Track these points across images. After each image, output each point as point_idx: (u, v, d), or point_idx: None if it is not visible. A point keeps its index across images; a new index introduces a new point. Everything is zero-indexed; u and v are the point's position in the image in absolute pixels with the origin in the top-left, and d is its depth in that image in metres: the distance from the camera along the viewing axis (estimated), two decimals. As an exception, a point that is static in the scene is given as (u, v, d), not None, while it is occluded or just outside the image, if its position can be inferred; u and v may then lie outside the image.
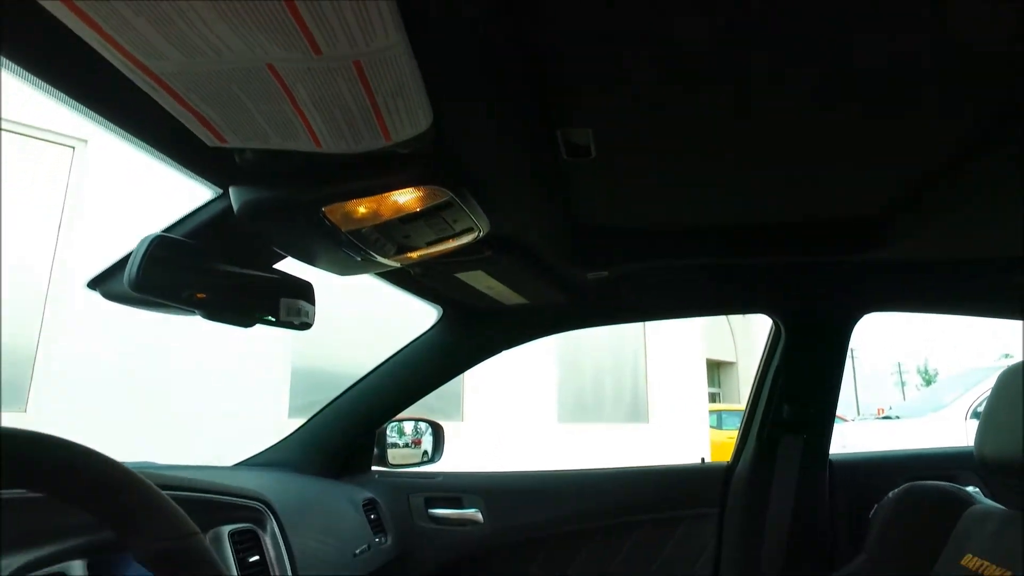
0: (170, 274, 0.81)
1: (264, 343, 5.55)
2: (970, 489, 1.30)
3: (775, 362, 1.64)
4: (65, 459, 0.48)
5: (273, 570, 1.13)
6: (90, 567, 0.81)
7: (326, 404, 1.77)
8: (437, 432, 1.93)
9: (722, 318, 12.01)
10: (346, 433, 1.77)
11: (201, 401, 5.45)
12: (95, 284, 0.89)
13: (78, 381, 4.88)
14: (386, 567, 1.65)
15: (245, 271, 1.00)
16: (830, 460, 1.63)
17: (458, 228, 0.98)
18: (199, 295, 0.89)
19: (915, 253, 1.34)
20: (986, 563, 1.03)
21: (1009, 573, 0.97)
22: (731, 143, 0.96)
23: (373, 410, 1.76)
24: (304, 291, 1.08)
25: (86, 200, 5.18)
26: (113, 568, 0.85)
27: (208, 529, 1.04)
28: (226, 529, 1.06)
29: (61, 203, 5.16)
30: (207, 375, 5.52)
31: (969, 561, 1.07)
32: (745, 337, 16.69)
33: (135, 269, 0.75)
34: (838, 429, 2.25)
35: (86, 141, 5.18)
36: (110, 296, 0.89)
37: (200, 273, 0.88)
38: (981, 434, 1.06)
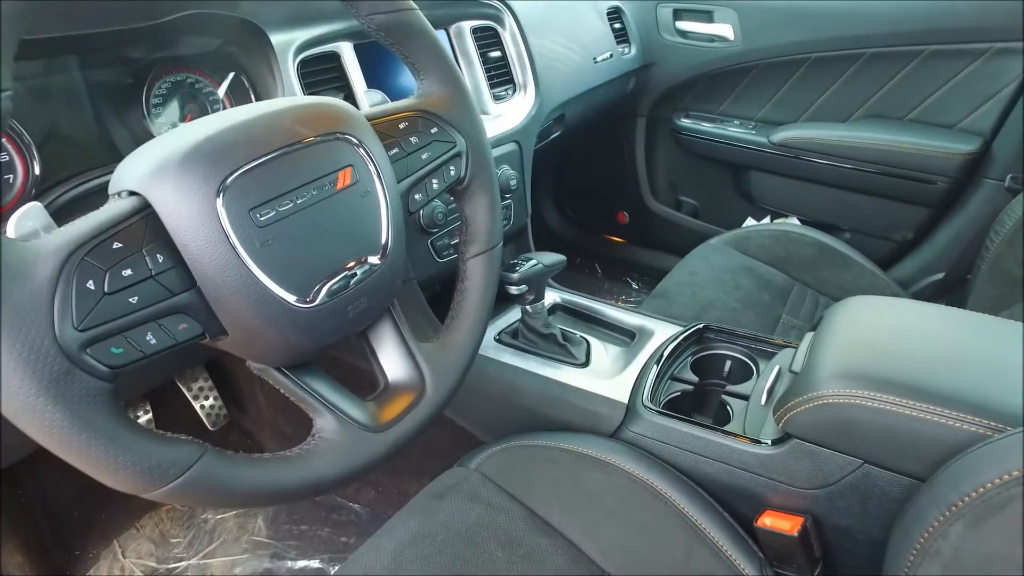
0: None
1: None
2: None
3: None
4: None
5: (513, 66, 1.22)
6: (358, 50, 0.93)
7: None
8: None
9: None
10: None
11: None
12: None
13: None
14: (627, 76, 1.68)
15: None
16: None
17: None
18: None
19: None
20: None
21: None
22: None
23: None
24: None
25: None
26: (377, 55, 0.97)
27: (450, 24, 1.11)
28: (467, 25, 1.12)
29: None
30: None
31: None
32: None
33: None
34: None
35: None
36: None
37: None
38: None
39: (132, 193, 0.43)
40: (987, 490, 0.50)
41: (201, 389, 1.21)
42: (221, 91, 0.82)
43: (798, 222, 1.72)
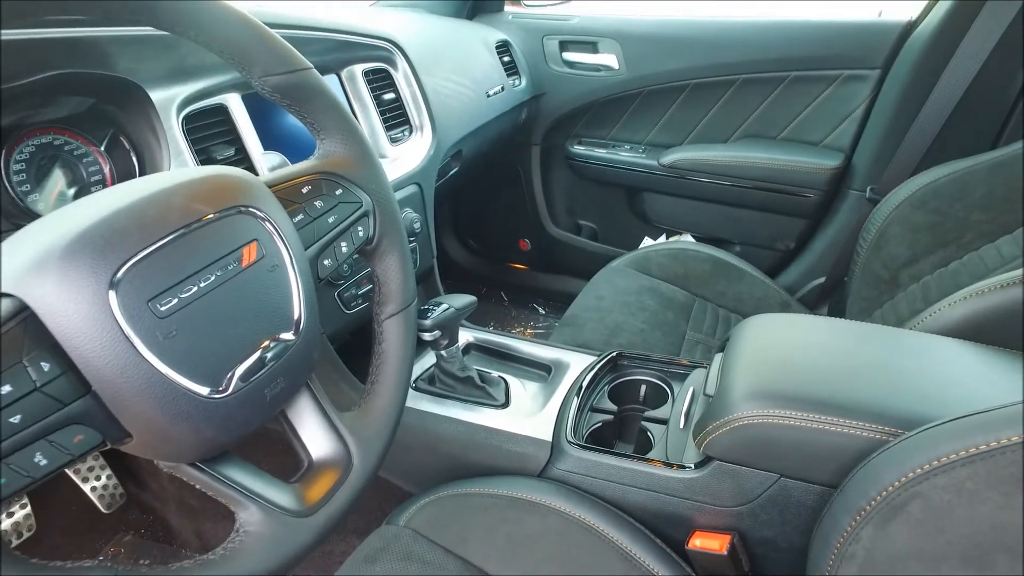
0: None
1: None
2: None
3: None
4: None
5: (408, 107, 1.21)
6: (248, 103, 0.89)
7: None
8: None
9: None
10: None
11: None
12: None
13: None
14: (519, 107, 1.72)
15: None
16: None
17: None
18: None
19: None
20: None
21: None
22: None
23: None
24: None
25: None
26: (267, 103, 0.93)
27: (342, 68, 1.09)
28: (359, 68, 1.10)
29: None
30: None
31: None
32: None
33: None
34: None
35: None
36: None
37: None
38: None
39: (4, 295, 0.37)
40: (889, 492, 0.53)
41: (91, 469, 1.09)
42: (101, 148, 0.76)
43: (692, 239, 1.81)
